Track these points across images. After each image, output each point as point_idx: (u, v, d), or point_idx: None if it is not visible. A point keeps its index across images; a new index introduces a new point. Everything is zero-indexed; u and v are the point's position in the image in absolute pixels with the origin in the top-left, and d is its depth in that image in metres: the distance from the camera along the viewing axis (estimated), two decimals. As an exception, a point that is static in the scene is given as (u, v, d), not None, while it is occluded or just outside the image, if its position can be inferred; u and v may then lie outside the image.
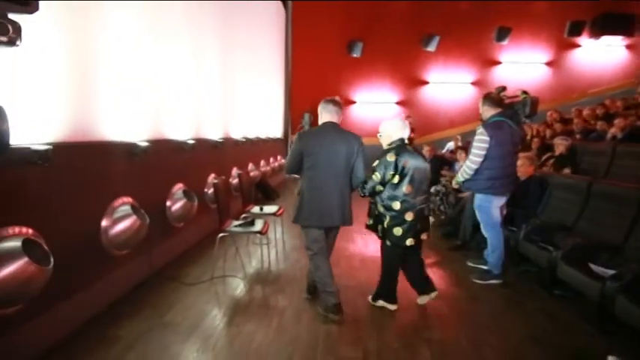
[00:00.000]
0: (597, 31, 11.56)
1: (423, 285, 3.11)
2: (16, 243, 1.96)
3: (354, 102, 12.10)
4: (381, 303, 3.05)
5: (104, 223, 2.82)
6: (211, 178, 4.86)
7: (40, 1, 1.59)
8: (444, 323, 2.88)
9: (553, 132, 7.50)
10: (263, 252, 4.16)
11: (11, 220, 2.05)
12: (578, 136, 6.98)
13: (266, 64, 8.97)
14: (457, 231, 4.82)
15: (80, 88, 2.68)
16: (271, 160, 8.60)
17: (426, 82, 12.19)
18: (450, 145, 9.55)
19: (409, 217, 2.87)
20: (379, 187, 2.89)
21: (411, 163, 2.85)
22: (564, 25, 11.44)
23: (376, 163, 2.90)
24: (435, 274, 3.89)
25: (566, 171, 4.93)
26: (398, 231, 2.88)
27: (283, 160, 9.15)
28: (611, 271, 2.70)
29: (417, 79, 12.16)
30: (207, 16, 5.01)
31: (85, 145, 2.71)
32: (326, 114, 2.98)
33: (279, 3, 10.45)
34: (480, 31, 11.62)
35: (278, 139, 10.33)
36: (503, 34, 11.36)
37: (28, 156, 2.15)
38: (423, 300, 3.10)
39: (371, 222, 3.06)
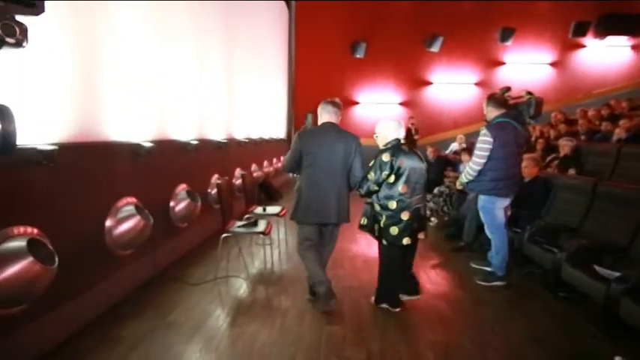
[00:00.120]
0: (602, 32, 11.49)
1: (408, 284, 3.13)
2: (21, 243, 1.97)
3: (357, 103, 12.10)
4: (384, 306, 3.04)
5: (108, 223, 2.83)
6: (215, 178, 4.87)
7: (45, 1, 1.60)
8: (447, 325, 2.87)
9: (557, 133, 7.46)
10: (266, 252, 4.17)
11: (16, 220, 2.06)
12: (582, 137, 6.93)
13: (269, 64, 8.99)
14: (461, 232, 4.81)
15: (85, 89, 2.70)
16: (274, 160, 8.61)
17: (430, 83, 12.17)
18: (454, 145, 9.52)
19: (405, 216, 2.89)
20: (374, 187, 2.93)
21: (407, 163, 2.88)
22: (569, 25, 11.39)
23: (372, 163, 2.95)
24: (438, 276, 3.89)
25: (571, 172, 4.91)
26: (394, 230, 2.90)
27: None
28: (616, 274, 2.68)
29: (420, 79, 12.15)
30: (211, 16, 5.02)
31: (90, 146, 2.72)
32: (325, 114, 3.07)
33: (283, 3, 10.47)
34: (483, 32, 11.59)
35: (281, 139, 10.34)
36: (507, 34, 11.32)
37: (33, 156, 2.16)
38: (402, 298, 3.10)
39: (364, 222, 3.07)
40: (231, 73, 5.89)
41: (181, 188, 3.97)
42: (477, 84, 12.07)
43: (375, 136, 3.09)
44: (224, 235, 3.54)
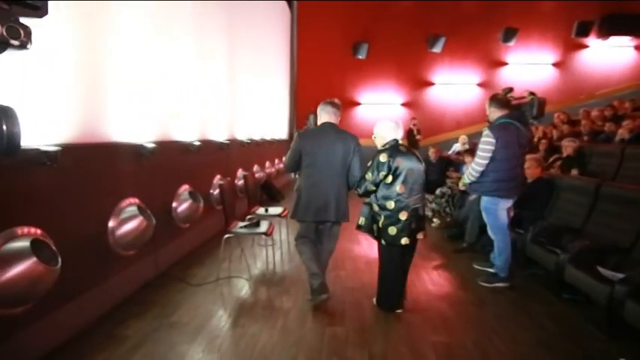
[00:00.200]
0: (605, 32, 11.44)
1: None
2: (24, 243, 1.98)
3: (359, 104, 12.09)
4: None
5: (111, 223, 2.84)
6: (217, 179, 4.88)
7: (49, 1, 1.61)
8: (449, 326, 2.86)
9: (560, 133, 7.44)
10: (268, 253, 4.17)
11: (20, 220, 2.07)
12: (585, 138, 6.91)
13: (271, 65, 9.00)
14: (461, 233, 4.79)
15: (88, 90, 2.71)
16: (276, 161, 8.62)
17: (432, 84, 12.14)
18: (457, 146, 9.51)
19: (403, 216, 2.90)
20: (371, 187, 2.95)
21: (404, 163, 2.89)
22: (572, 25, 11.34)
23: (370, 163, 2.97)
24: (440, 277, 3.88)
25: (574, 172, 4.89)
26: (392, 230, 2.91)
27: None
28: (620, 275, 2.67)
29: (422, 80, 12.13)
30: (213, 17, 5.03)
31: (93, 147, 2.74)
32: (324, 115, 3.13)
33: (284, 3, 10.48)
34: (486, 32, 11.56)
35: (283, 140, 10.35)
36: (509, 34, 11.29)
37: (36, 157, 2.17)
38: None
39: (362, 222, 3.08)
40: (233, 74, 5.90)
41: (184, 189, 3.98)
42: (479, 84, 12.04)
43: (373, 136, 3.12)
44: (226, 235, 3.54)
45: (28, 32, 1.52)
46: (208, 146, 4.74)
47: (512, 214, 3.78)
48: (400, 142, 3.04)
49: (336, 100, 3.19)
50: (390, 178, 2.89)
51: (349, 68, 11.83)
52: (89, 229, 2.68)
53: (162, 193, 3.72)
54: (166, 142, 3.75)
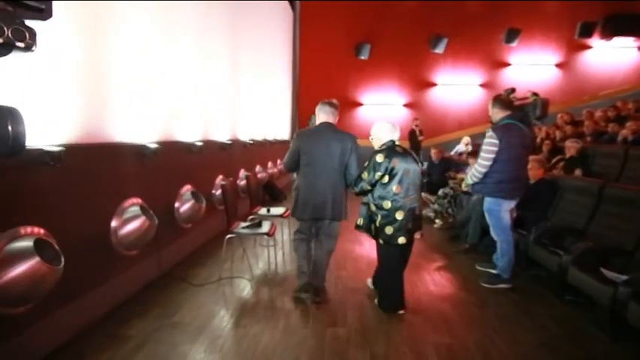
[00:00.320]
0: (609, 32, 11.41)
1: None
2: (27, 243, 1.98)
3: (361, 104, 12.09)
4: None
5: (114, 223, 2.85)
6: (219, 179, 4.89)
7: (54, 0, 1.62)
8: (451, 327, 2.86)
9: (563, 134, 7.41)
10: (270, 254, 4.17)
11: (23, 220, 2.08)
12: (589, 139, 6.89)
13: (274, 65, 9.01)
14: (466, 234, 4.78)
15: (91, 91, 2.72)
16: (279, 161, 8.62)
17: (434, 84, 12.14)
18: (460, 147, 9.49)
19: (399, 215, 2.93)
20: (367, 187, 3.00)
21: (401, 164, 2.93)
22: (575, 26, 11.32)
23: (366, 163, 3.02)
24: (442, 278, 3.87)
25: (577, 172, 4.87)
26: (389, 229, 2.95)
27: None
28: (624, 277, 2.66)
29: (425, 81, 12.12)
30: (216, 17, 5.05)
31: (96, 147, 2.75)
32: (322, 115, 3.21)
33: (287, 4, 10.49)
34: (488, 33, 11.55)
35: (285, 140, 10.36)
36: (512, 35, 11.27)
37: (40, 157, 2.19)
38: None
39: (361, 222, 3.15)
40: (235, 74, 5.92)
41: (186, 189, 3.99)
42: (481, 85, 12.02)
43: (370, 137, 3.17)
44: (228, 236, 3.55)
45: (33, 34, 1.54)
46: (211, 146, 4.75)
47: (514, 215, 3.77)
48: (397, 143, 3.08)
49: (334, 101, 3.27)
50: (386, 179, 2.94)
51: (352, 69, 11.84)
52: (92, 229, 2.69)
53: (165, 193, 3.73)
54: (169, 143, 3.76)
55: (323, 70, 11.70)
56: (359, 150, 3.15)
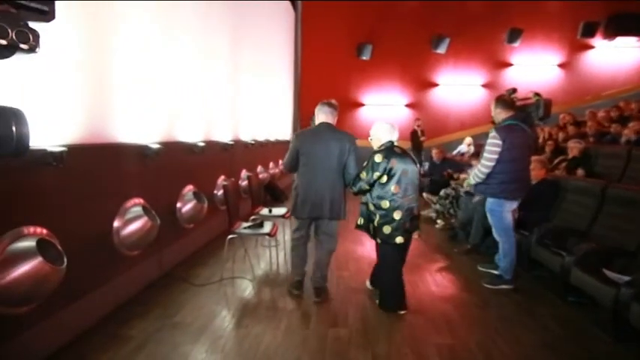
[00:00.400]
0: (611, 32, 11.36)
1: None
2: (30, 243, 1.99)
3: (363, 104, 12.09)
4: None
5: (116, 223, 2.86)
6: (221, 180, 4.90)
7: (57, 0, 1.63)
8: (453, 328, 2.85)
9: (566, 135, 7.39)
10: (271, 254, 4.17)
11: (26, 220, 2.09)
12: (591, 139, 6.86)
13: (275, 65, 9.01)
14: (467, 234, 4.77)
15: (94, 92, 2.73)
16: (280, 162, 8.62)
17: (436, 85, 12.11)
18: (462, 147, 9.47)
19: (397, 215, 2.95)
20: (365, 187, 3.03)
21: (399, 164, 2.95)
22: (577, 26, 11.27)
23: (365, 163, 3.04)
24: (444, 278, 3.87)
25: (580, 173, 4.85)
26: (387, 229, 2.97)
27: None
28: (626, 278, 2.65)
29: (426, 81, 12.10)
30: (217, 17, 5.05)
31: (99, 147, 2.76)
32: (322, 115, 3.25)
33: (288, 4, 10.49)
34: (490, 33, 11.52)
35: (287, 141, 10.36)
36: (514, 35, 11.24)
37: (43, 157, 2.19)
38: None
39: (361, 222, 3.18)
40: (237, 75, 5.92)
41: (188, 189, 3.99)
42: (483, 85, 11.99)
43: (369, 138, 3.19)
44: (230, 236, 3.55)
45: (36, 36, 1.55)
46: (212, 147, 4.76)
47: (517, 215, 3.76)
48: (395, 143, 3.10)
49: (333, 101, 3.30)
50: (384, 179, 2.96)
51: (353, 69, 11.83)
52: (94, 229, 2.70)
53: (167, 193, 3.74)
54: (171, 143, 3.77)
55: (324, 70, 11.69)
56: (358, 150, 3.17)
